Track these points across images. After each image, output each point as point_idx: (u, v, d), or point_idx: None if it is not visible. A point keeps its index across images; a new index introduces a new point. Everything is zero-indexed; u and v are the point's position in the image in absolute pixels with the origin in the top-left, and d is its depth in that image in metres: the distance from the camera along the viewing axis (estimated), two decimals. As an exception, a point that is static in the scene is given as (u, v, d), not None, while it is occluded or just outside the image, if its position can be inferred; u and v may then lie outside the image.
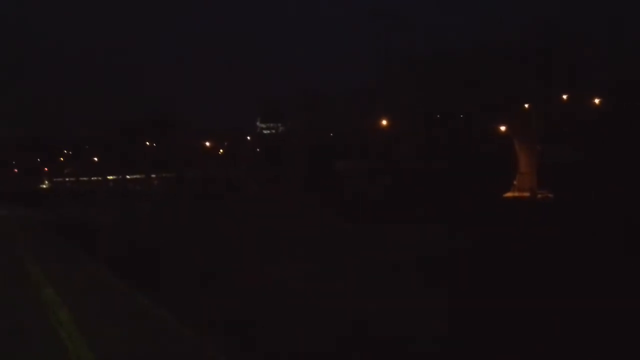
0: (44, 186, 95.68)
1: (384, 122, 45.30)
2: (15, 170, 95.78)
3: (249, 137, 78.72)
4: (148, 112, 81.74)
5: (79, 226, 22.72)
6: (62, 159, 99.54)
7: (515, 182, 42.79)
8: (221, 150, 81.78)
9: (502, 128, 43.29)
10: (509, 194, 40.95)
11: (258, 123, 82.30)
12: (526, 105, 41.87)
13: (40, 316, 6.87)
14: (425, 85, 41.49)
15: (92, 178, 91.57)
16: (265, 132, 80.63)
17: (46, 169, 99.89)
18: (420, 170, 39.18)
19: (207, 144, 79.19)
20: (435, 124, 42.80)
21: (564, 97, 40.70)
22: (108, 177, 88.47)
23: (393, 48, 46.85)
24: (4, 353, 5.49)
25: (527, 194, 39.69)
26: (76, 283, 9.46)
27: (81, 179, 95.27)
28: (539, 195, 38.34)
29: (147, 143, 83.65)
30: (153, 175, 79.72)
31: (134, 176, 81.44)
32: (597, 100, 39.54)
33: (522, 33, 42.19)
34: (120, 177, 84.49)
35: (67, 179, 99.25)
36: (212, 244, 15.81)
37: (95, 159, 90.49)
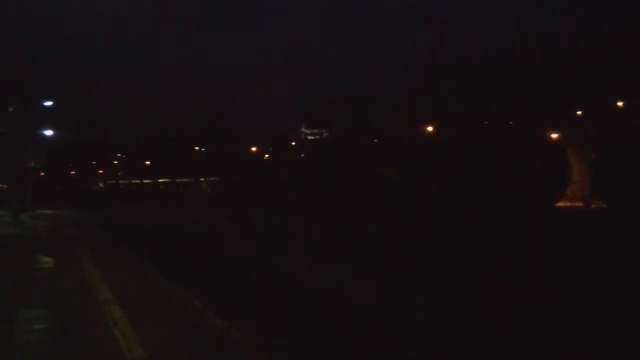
0: (99, 188, 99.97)
1: (430, 129, 44.72)
2: (73, 172, 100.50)
3: (293, 143, 79.64)
4: (198, 118, 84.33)
5: (130, 226, 23.83)
6: (115, 162, 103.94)
7: (567, 192, 41.28)
8: (266, 156, 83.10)
9: (554, 135, 41.92)
10: (560, 204, 39.50)
11: (303, 129, 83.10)
12: (579, 113, 40.37)
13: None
14: (474, 91, 40.67)
15: (144, 180, 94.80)
16: (309, 137, 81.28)
17: (101, 171, 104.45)
18: (467, 177, 38.39)
19: (253, 149, 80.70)
20: (484, 130, 41.85)
21: (619, 104, 39.01)
22: (159, 180, 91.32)
23: (441, 53, 46.24)
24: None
25: (580, 204, 38.19)
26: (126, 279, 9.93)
27: (133, 181, 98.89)
28: (593, 205, 36.79)
29: (196, 148, 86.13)
30: (202, 179, 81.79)
31: (184, 179, 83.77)
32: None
33: (576, 38, 40.77)
34: (170, 180, 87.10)
35: (120, 181, 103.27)
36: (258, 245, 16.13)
37: (147, 162, 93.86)
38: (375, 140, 54.06)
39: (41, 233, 20.13)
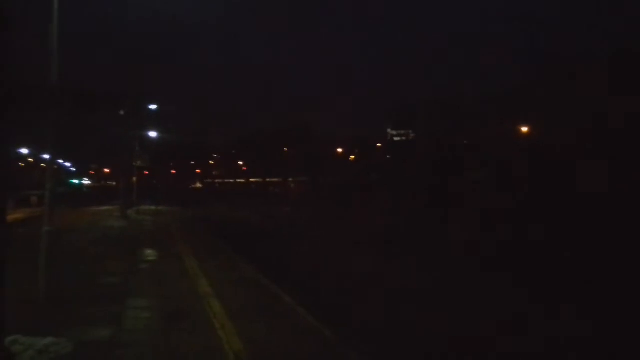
0: (196, 186, 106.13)
1: (524, 129, 42.26)
2: (173, 171, 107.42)
3: (379, 144, 79.14)
4: (287, 120, 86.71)
5: (225, 222, 25.08)
6: (211, 162, 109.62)
7: None
8: (352, 157, 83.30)
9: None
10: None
11: (389, 130, 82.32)
12: None
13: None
14: (580, 89, 37.52)
15: (237, 180, 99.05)
16: (395, 138, 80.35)
17: (198, 170, 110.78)
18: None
19: (339, 150, 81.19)
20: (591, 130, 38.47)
21: None
22: (251, 180, 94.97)
23: (540, 50, 43.37)
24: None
25: None
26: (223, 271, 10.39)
27: (227, 180, 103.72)
28: None
29: (285, 149, 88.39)
30: (290, 179, 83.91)
31: (273, 179, 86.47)
32: None
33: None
34: (262, 180, 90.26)
35: (215, 180, 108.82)
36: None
37: (240, 162, 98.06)
38: (465, 142, 52.04)
39: (146, 227, 21.68)
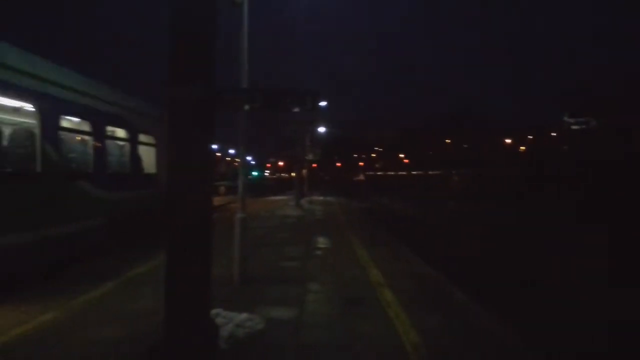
0: (359, 178, 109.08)
1: None
2: (338, 164, 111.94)
3: (553, 134, 72.12)
4: (450, 110, 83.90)
5: (389, 214, 25.30)
6: (374, 155, 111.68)
7: None
8: (522, 148, 77.31)
9: None
10: None
11: (565, 118, 74.29)
12: None
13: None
14: None
15: (398, 172, 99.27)
16: (573, 127, 72.23)
17: (361, 163, 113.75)
18: None
19: (508, 140, 76.01)
20: None
21: None
22: (412, 172, 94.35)
23: None
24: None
25: None
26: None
27: (388, 173, 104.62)
28: None
29: (448, 140, 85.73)
30: (453, 172, 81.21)
31: (435, 172, 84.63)
32: None
33: None
34: (423, 172, 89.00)
35: (377, 173, 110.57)
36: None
37: (401, 155, 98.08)
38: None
39: (317, 216, 22.98)
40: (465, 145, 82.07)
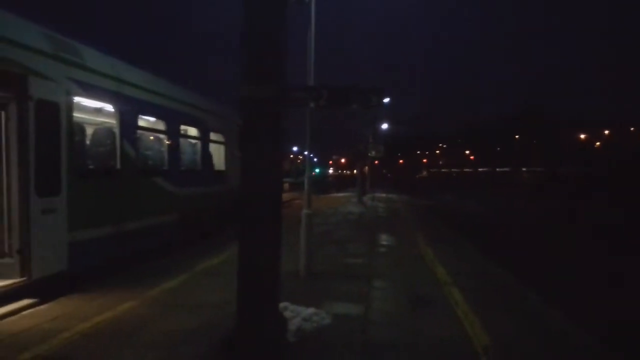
0: (422, 175, 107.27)
1: None
2: (401, 161, 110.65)
3: (632, 129, 67.39)
4: (520, 105, 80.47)
5: (453, 211, 24.69)
6: (437, 151, 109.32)
7: None
8: (597, 144, 72.89)
9: None
10: None
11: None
12: None
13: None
14: None
15: (463, 170, 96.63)
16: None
17: (424, 160, 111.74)
18: None
19: (582, 136, 71.94)
20: None
21: None
22: (478, 169, 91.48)
23: None
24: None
25: None
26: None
27: (452, 170, 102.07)
28: None
29: (517, 137, 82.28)
30: (523, 169, 77.88)
31: (504, 169, 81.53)
32: None
33: None
34: (490, 169, 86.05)
35: (441, 170, 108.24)
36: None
37: (467, 151, 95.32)
38: None
39: (379, 213, 22.83)
40: (534, 141, 78.41)
